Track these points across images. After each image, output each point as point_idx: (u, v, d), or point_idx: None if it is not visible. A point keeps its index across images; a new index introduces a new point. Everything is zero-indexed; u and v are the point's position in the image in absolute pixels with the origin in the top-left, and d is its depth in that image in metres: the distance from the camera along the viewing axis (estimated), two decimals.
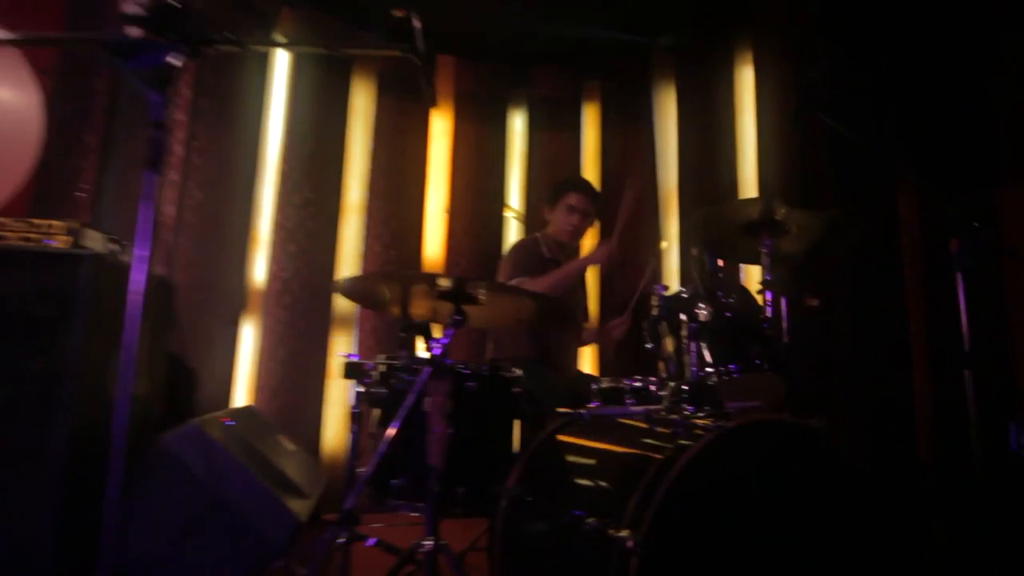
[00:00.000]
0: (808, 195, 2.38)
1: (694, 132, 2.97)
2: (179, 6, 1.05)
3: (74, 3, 2.34)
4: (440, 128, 3.20)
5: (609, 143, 3.23)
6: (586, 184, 2.48)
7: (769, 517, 1.11)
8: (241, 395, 2.57)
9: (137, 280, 1.02)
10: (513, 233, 3.22)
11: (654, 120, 3.11)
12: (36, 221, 1.77)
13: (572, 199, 2.35)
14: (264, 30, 2.63)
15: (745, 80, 2.86)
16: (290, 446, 2.35)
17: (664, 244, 3.02)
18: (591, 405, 1.73)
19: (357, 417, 1.72)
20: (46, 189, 2.29)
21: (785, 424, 1.18)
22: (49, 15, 2.34)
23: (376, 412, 1.77)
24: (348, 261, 2.92)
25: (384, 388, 1.76)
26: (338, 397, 2.79)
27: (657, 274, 2.83)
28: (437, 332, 1.69)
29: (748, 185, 2.79)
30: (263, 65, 2.67)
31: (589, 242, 2.76)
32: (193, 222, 2.36)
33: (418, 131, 3.12)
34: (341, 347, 2.83)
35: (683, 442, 1.13)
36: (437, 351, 1.44)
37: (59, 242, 1.78)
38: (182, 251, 2.29)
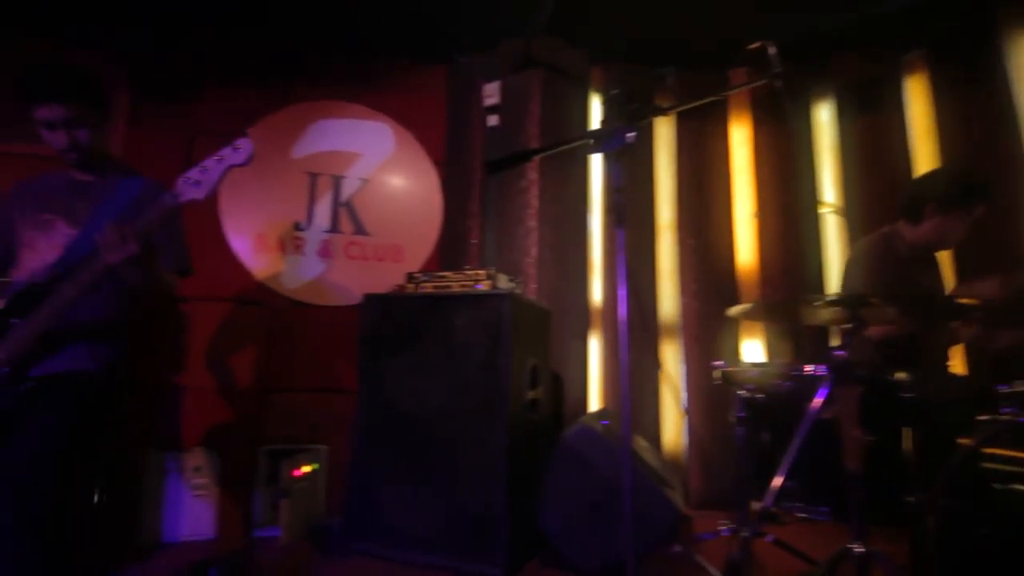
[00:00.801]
0: None
1: None
2: (631, 96, 1.31)
3: (453, 108, 3.06)
4: (739, 137, 3.19)
5: (945, 116, 2.78)
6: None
7: None
8: (593, 400, 2.94)
9: (622, 311, 1.30)
10: (832, 228, 2.99)
11: (1010, 77, 2.57)
12: (467, 271, 2.34)
13: (979, 211, 2.00)
14: (581, 90, 3.01)
15: None
16: (645, 444, 2.59)
17: None
18: (1005, 411, 1.52)
19: (741, 421, 1.83)
20: (448, 246, 3.01)
21: None
22: (435, 110, 3.10)
23: (752, 416, 1.85)
24: (666, 275, 3.10)
25: (762, 394, 1.83)
26: (670, 399, 2.96)
27: None
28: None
29: None
30: (582, 115, 3.04)
31: None
32: (548, 258, 2.81)
33: (718, 145, 3.17)
34: (669, 354, 3.01)
35: None
36: (842, 355, 1.45)
37: (484, 285, 2.33)
38: (543, 282, 2.75)
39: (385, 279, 2.93)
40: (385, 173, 2.99)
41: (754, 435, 1.82)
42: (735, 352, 3.02)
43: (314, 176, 2.88)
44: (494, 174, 2.79)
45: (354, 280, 2.88)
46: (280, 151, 2.80)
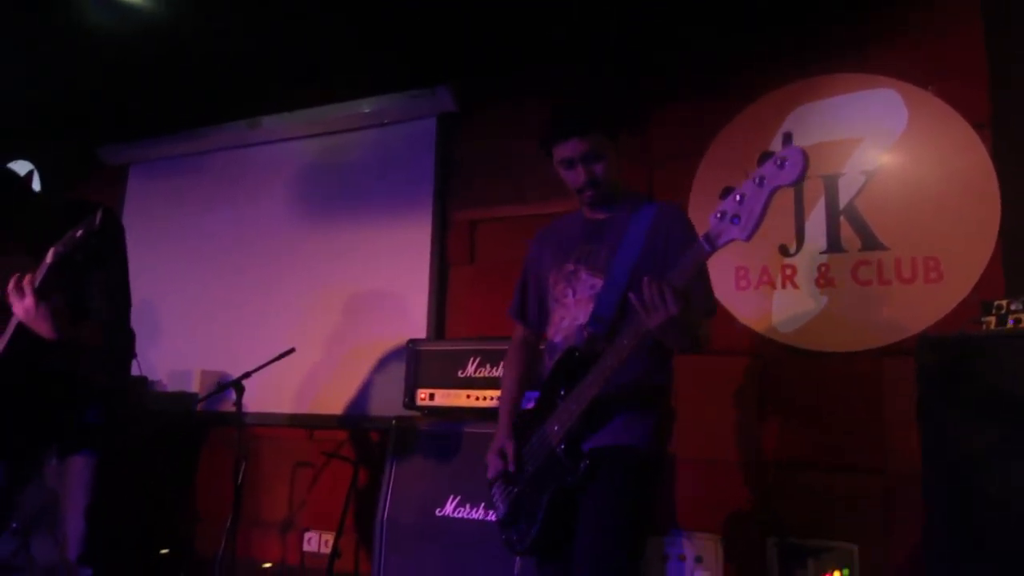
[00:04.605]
0: None
1: None
2: None
3: (998, 36, 2.54)
4: None
5: None
6: None
7: None
8: None
9: None
10: None
11: None
12: None
13: None
14: None
15: None
16: None
17: None
18: None
19: None
20: (1019, 251, 2.48)
21: None
22: (965, 47, 2.61)
23: None
24: None
25: None
26: None
27: None
28: None
29: None
30: None
31: None
32: None
33: None
34: None
35: None
36: None
37: None
38: None
39: (917, 310, 2.44)
40: (899, 157, 2.49)
41: None
42: None
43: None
44: None
45: (869, 315, 2.52)
46: (749, 160, 2.82)
